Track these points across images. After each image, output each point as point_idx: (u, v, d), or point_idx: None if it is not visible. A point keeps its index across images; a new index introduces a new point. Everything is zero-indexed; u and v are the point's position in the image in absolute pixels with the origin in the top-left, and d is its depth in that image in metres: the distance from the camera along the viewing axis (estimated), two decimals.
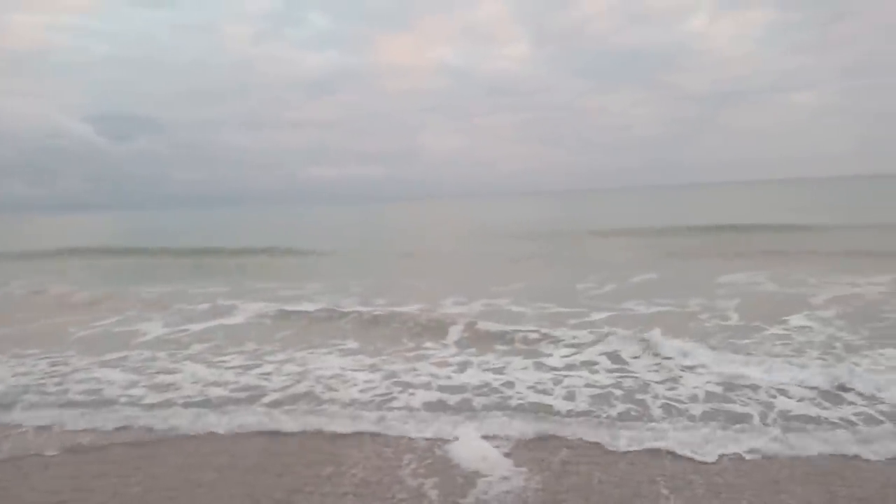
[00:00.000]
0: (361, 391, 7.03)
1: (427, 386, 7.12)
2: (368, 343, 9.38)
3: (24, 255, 30.75)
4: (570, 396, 6.54)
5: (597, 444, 5.27)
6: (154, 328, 11.16)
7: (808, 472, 4.67)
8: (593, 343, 8.45)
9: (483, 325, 9.74)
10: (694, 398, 6.27)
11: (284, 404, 6.70)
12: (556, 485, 4.67)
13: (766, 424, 5.50)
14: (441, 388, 7.01)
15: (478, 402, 6.51)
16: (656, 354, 7.63)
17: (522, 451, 5.27)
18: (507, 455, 5.16)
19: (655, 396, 6.39)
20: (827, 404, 5.86)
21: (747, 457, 4.92)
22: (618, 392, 6.60)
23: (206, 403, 6.86)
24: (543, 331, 9.21)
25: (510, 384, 7.04)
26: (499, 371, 7.60)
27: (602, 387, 6.80)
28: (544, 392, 6.73)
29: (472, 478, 4.82)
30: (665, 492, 4.48)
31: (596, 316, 10.54)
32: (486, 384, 7.09)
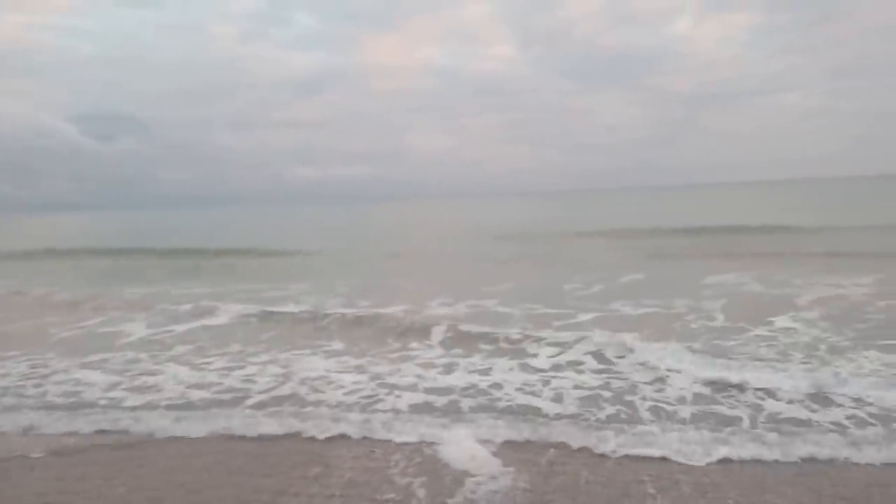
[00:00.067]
0: (347, 393, 6.97)
1: (413, 388, 7.07)
2: (353, 344, 9.31)
3: (6, 255, 30.39)
4: (557, 398, 6.51)
5: (585, 448, 5.23)
6: (137, 329, 11.04)
7: (794, 473, 4.67)
8: (578, 345, 8.39)
9: (468, 327, 9.71)
10: (681, 400, 6.27)
11: (269, 406, 6.63)
12: (543, 485, 4.65)
13: (753, 428, 5.50)
14: (427, 390, 6.96)
15: (465, 403, 6.48)
16: (641, 363, 7.51)
17: (510, 451, 5.25)
18: (494, 454, 5.14)
19: (644, 398, 6.38)
20: (813, 407, 5.86)
21: (734, 458, 4.90)
22: (606, 394, 6.59)
23: (190, 406, 6.79)
24: (528, 332, 9.19)
25: (497, 386, 7.01)
26: (485, 372, 7.57)
27: (590, 388, 6.78)
28: (532, 394, 6.69)
29: (460, 477, 4.79)
30: (652, 491, 4.48)
31: (583, 317, 10.52)
32: (473, 385, 7.06)
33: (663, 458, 4.96)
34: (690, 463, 4.86)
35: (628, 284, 14.16)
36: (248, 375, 7.85)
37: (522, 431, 5.55)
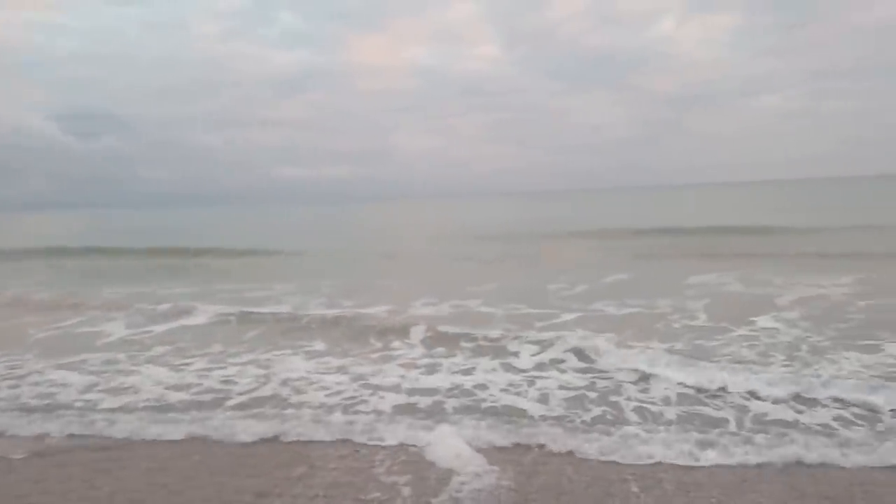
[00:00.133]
0: (330, 394, 6.91)
1: (396, 388, 7.03)
2: (335, 345, 9.25)
3: None
4: (542, 399, 6.49)
5: (570, 449, 5.21)
6: (117, 330, 10.90)
7: (777, 473, 4.67)
8: (559, 346, 8.32)
9: (451, 327, 9.68)
10: (666, 401, 6.28)
11: (251, 408, 6.56)
12: (527, 484, 4.64)
13: (739, 429, 5.52)
14: (410, 391, 6.92)
15: (449, 404, 6.44)
16: (618, 368, 7.41)
17: (495, 451, 5.22)
18: (479, 453, 5.12)
19: (629, 398, 6.38)
20: (798, 409, 5.85)
21: (719, 459, 4.89)
22: (591, 395, 6.59)
23: (170, 408, 6.70)
24: (511, 332, 9.17)
25: (481, 386, 6.98)
26: (468, 372, 7.55)
27: (575, 388, 6.78)
28: (518, 394, 6.68)
29: (445, 476, 4.77)
30: (636, 490, 4.49)
31: (566, 317, 10.52)
32: (457, 386, 7.03)
33: (649, 459, 4.94)
34: (675, 463, 4.85)
35: (612, 284, 14.18)
36: (228, 376, 7.76)
37: (507, 433, 5.51)
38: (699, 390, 6.43)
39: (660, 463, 4.86)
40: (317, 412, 6.30)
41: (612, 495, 4.43)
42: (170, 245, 30.35)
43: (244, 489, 4.72)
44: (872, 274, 13.56)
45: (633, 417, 5.89)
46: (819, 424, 5.48)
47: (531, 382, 7.04)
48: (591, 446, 5.16)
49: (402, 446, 5.41)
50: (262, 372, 7.88)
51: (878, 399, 5.79)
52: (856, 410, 5.71)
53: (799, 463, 4.78)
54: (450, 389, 6.93)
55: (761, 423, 5.58)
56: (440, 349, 8.65)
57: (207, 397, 6.99)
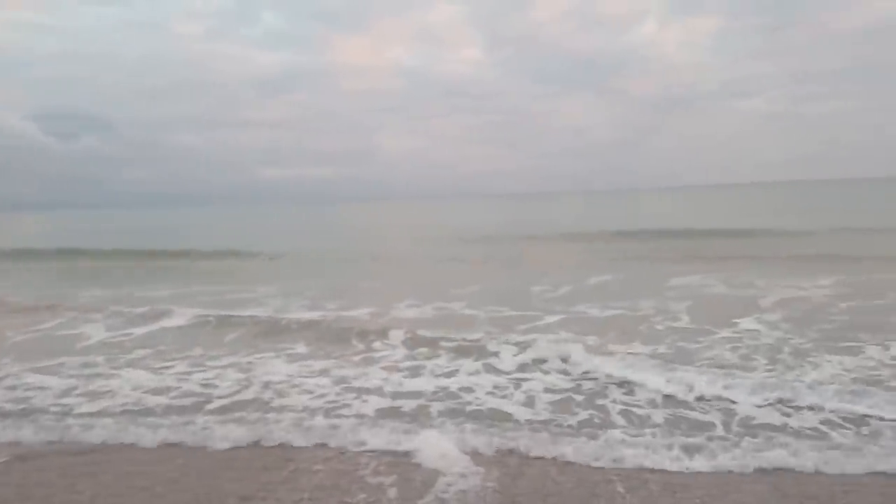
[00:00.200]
0: (312, 398, 6.84)
1: (380, 392, 6.97)
2: (317, 348, 9.17)
3: None
4: (528, 402, 6.47)
5: (556, 456, 5.18)
6: (96, 332, 10.75)
7: (761, 475, 4.68)
8: (538, 349, 8.20)
9: (434, 330, 9.64)
10: (651, 404, 6.27)
11: (233, 411, 6.47)
12: (513, 486, 4.63)
13: (723, 434, 5.53)
14: (394, 395, 6.87)
15: (434, 408, 6.39)
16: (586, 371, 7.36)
17: (480, 453, 5.20)
18: (465, 453, 5.11)
19: (615, 401, 6.37)
20: (780, 414, 5.82)
21: (703, 461, 4.90)
22: (577, 398, 6.57)
23: (150, 412, 6.59)
24: (494, 334, 9.16)
25: (466, 389, 6.94)
26: (451, 375, 7.53)
27: (561, 391, 6.76)
28: (503, 397, 6.65)
29: (431, 477, 4.76)
30: (621, 490, 4.50)
31: (549, 319, 10.52)
32: (442, 389, 6.99)
33: (634, 462, 4.94)
34: (662, 466, 4.84)
35: (595, 286, 14.22)
36: (209, 380, 7.67)
37: (492, 437, 5.47)
38: (683, 396, 6.41)
39: (646, 466, 4.85)
40: (300, 416, 6.23)
41: (597, 496, 4.43)
42: (151, 247, 30.07)
43: (228, 493, 4.67)
44: (853, 276, 13.69)
45: (620, 421, 5.87)
46: (803, 429, 5.47)
47: (515, 385, 7.01)
48: (577, 450, 5.14)
49: (386, 449, 5.36)
50: (243, 375, 7.79)
51: (860, 404, 5.80)
52: (839, 416, 5.69)
53: (783, 468, 4.77)
54: (434, 392, 6.89)
55: (747, 426, 5.57)
56: (423, 352, 8.60)
57: (188, 401, 6.90)
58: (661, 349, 8.28)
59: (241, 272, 20.64)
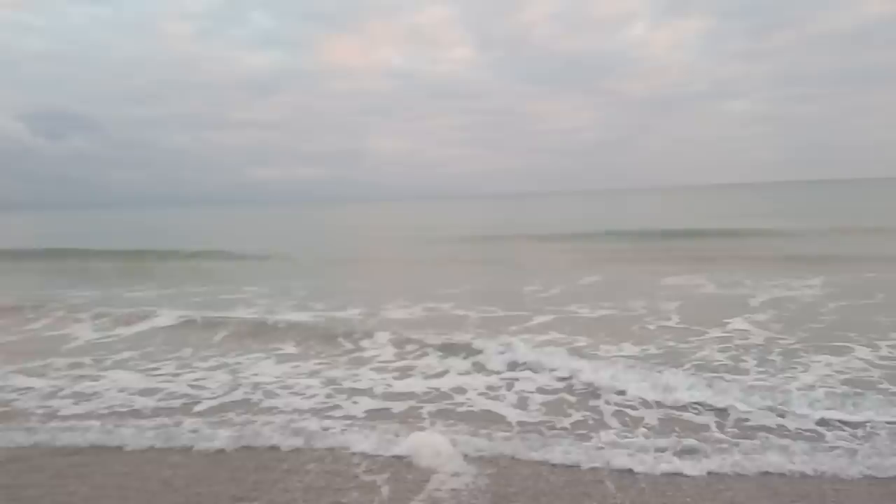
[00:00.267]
0: (303, 399, 6.80)
1: (370, 393, 6.94)
2: (307, 348, 9.13)
3: None
4: (520, 404, 6.45)
5: (548, 456, 5.16)
6: (83, 333, 10.68)
7: (750, 476, 4.68)
8: (525, 353, 8.06)
9: (424, 330, 9.60)
10: (644, 407, 6.25)
11: (222, 412, 6.43)
12: (506, 485, 4.64)
13: (716, 435, 5.52)
14: (385, 396, 6.85)
15: (425, 409, 6.37)
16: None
17: (473, 453, 5.19)
18: (458, 452, 5.12)
19: (608, 402, 6.34)
20: (771, 418, 5.77)
21: (695, 462, 4.89)
22: (570, 398, 6.56)
23: (139, 413, 6.52)
24: (483, 335, 9.13)
25: (456, 390, 6.93)
26: (441, 376, 7.51)
27: (553, 392, 6.74)
28: (493, 399, 6.63)
29: (424, 475, 4.78)
30: (613, 490, 4.52)
31: (540, 319, 10.51)
32: (432, 390, 6.97)
33: (626, 463, 4.93)
34: (653, 467, 4.83)
35: (586, 287, 14.23)
36: (198, 380, 7.62)
37: (484, 439, 5.45)
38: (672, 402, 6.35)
39: (637, 467, 4.83)
40: (290, 417, 6.20)
41: (589, 496, 4.45)
42: (140, 247, 29.87)
43: (220, 493, 4.66)
44: (841, 276, 13.80)
45: (613, 422, 5.83)
46: (794, 432, 5.43)
47: (508, 386, 6.99)
48: (569, 451, 5.13)
49: (379, 448, 5.34)
50: (233, 376, 7.75)
51: (851, 407, 5.80)
52: (830, 419, 5.65)
53: (773, 470, 4.75)
54: (426, 393, 6.88)
55: (739, 429, 5.53)
56: (413, 352, 8.58)
57: (177, 403, 6.84)
58: (652, 349, 8.29)
59: (230, 272, 20.52)
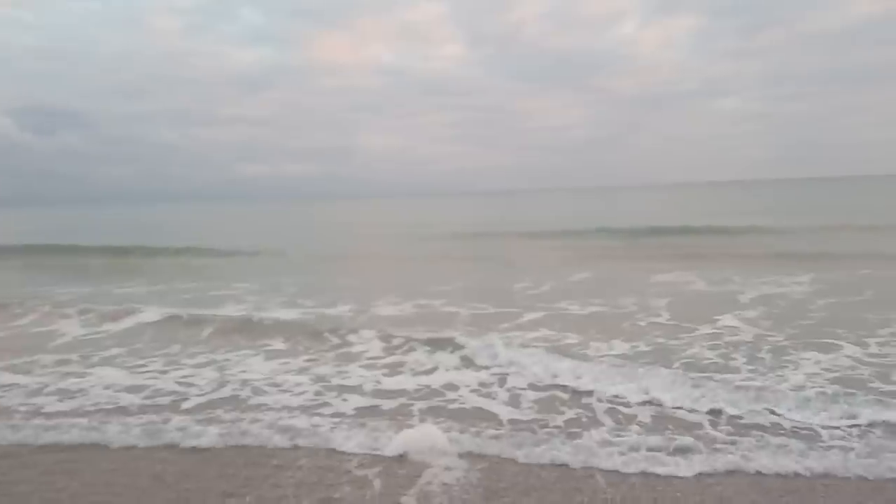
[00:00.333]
0: (292, 395, 6.77)
1: (359, 390, 6.91)
2: (297, 345, 9.08)
3: None
4: (512, 401, 6.41)
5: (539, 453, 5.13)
6: (70, 329, 10.59)
7: (740, 475, 4.68)
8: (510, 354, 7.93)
9: (414, 326, 9.59)
10: (638, 405, 6.23)
11: (211, 410, 6.38)
12: (497, 480, 4.65)
13: (709, 434, 5.51)
14: (375, 393, 6.81)
15: (416, 406, 6.34)
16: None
17: (464, 451, 5.17)
18: (450, 447, 5.14)
19: (600, 400, 6.31)
20: (758, 417, 5.71)
21: (687, 461, 4.87)
22: (562, 396, 6.53)
23: (127, 410, 6.46)
24: (473, 332, 9.12)
25: (447, 387, 6.91)
26: (430, 372, 7.49)
27: (545, 388, 6.71)
28: (484, 396, 6.59)
29: (416, 470, 4.79)
30: (603, 485, 4.53)
31: (530, 316, 10.50)
32: (423, 387, 6.94)
33: (618, 460, 4.91)
34: (645, 464, 4.82)
35: (577, 283, 14.24)
36: (187, 377, 7.57)
37: (474, 436, 5.43)
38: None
39: (628, 464, 4.82)
40: (279, 414, 6.16)
41: (580, 491, 4.46)
42: (129, 243, 29.66)
43: (211, 490, 4.64)
44: (829, 273, 13.85)
45: (606, 420, 5.79)
46: (785, 431, 5.40)
47: (496, 383, 6.96)
48: (560, 448, 5.11)
49: (370, 444, 5.32)
50: (222, 374, 7.69)
51: (842, 406, 5.78)
52: (820, 418, 5.62)
53: (764, 469, 4.73)
54: (416, 391, 6.85)
55: (731, 427, 5.50)
56: (403, 349, 8.54)
57: (165, 400, 6.79)
58: (642, 346, 8.28)
59: (220, 269, 20.39)
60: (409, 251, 24.76)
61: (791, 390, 6.25)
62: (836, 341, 8.11)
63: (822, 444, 5.10)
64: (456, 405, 6.37)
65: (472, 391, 6.77)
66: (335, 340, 9.16)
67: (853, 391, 6.20)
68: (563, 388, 6.69)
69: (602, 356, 7.89)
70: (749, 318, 9.73)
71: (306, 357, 8.41)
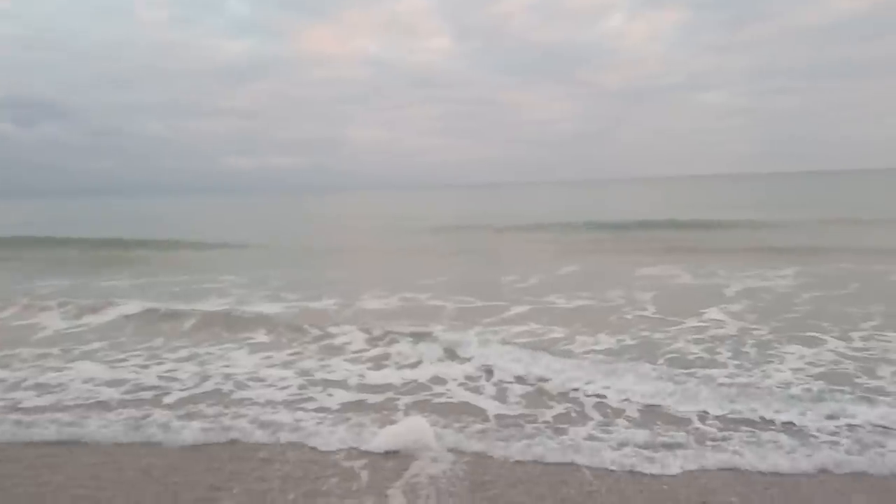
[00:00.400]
0: (277, 390, 6.70)
1: (344, 385, 6.86)
2: (280, 338, 9.00)
3: None
4: (499, 396, 6.39)
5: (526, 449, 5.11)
6: (51, 323, 10.45)
7: (725, 465, 4.69)
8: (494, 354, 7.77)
9: (399, 320, 9.57)
10: (626, 401, 6.22)
11: (194, 404, 6.30)
12: (484, 473, 4.65)
13: (697, 430, 5.51)
14: (359, 387, 6.77)
15: (402, 401, 6.31)
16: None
17: (451, 444, 5.16)
18: (436, 440, 5.13)
19: (588, 395, 6.29)
20: (744, 415, 5.66)
21: (674, 456, 4.86)
22: (551, 391, 6.50)
23: (109, 405, 6.37)
24: (458, 326, 9.12)
25: (433, 381, 6.88)
26: (415, 366, 7.45)
27: (531, 383, 6.69)
28: (471, 391, 6.56)
29: (403, 462, 4.80)
30: (590, 477, 4.55)
31: (517, 309, 10.48)
32: (408, 382, 6.90)
33: (606, 455, 4.90)
34: (633, 460, 4.80)
35: (563, 277, 14.25)
36: (170, 371, 7.49)
37: (459, 431, 5.40)
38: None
39: (615, 458, 4.81)
40: (263, 409, 6.10)
41: (566, 483, 4.47)
42: (113, 235, 29.36)
43: (198, 483, 4.62)
44: (814, 267, 13.95)
45: (594, 415, 5.77)
46: (771, 426, 5.38)
47: (483, 377, 6.94)
48: (547, 443, 5.10)
49: (357, 437, 5.29)
50: (204, 368, 7.60)
51: (826, 402, 5.78)
52: (804, 414, 5.58)
53: (749, 466, 4.73)
54: (403, 384, 6.81)
55: (723, 421, 5.50)
56: (387, 343, 8.46)
57: (148, 394, 6.70)
58: (628, 340, 8.29)
59: (206, 261, 20.23)
60: (396, 244, 24.70)
61: (777, 387, 6.26)
62: (820, 335, 8.16)
63: (808, 441, 5.09)
64: (443, 399, 6.34)
65: (460, 385, 6.74)
66: (319, 333, 9.08)
67: (838, 387, 6.21)
68: (550, 382, 6.66)
69: (588, 351, 7.89)
70: (734, 311, 9.77)
71: (290, 351, 8.34)
